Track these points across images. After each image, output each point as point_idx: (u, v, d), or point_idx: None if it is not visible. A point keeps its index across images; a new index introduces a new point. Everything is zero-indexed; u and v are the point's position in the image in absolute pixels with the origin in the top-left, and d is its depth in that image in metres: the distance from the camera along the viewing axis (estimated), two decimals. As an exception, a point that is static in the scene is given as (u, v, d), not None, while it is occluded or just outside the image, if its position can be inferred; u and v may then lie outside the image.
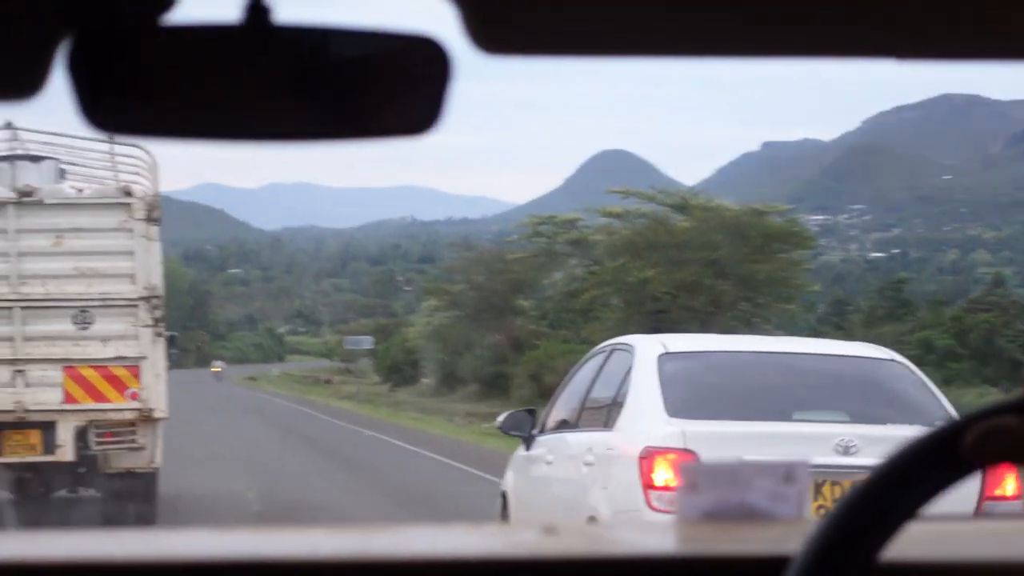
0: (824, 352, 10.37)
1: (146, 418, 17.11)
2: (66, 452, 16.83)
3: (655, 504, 8.65)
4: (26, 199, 16.99)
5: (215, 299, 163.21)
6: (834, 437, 8.91)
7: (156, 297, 17.25)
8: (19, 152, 17.85)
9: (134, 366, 17.04)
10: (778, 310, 49.12)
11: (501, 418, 11.85)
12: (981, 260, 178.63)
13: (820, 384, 9.73)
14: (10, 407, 16.87)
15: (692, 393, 9.41)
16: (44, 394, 16.97)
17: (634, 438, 9.11)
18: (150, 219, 17.12)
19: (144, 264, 17.05)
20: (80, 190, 17.48)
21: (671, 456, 8.69)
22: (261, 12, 1.30)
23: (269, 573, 1.71)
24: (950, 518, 1.97)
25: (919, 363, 11.72)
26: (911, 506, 1.17)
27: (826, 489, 8.74)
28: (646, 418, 9.24)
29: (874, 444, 8.72)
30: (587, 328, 55.64)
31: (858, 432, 8.99)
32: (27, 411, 16.92)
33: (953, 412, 9.34)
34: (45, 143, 18.31)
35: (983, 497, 8.59)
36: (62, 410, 16.93)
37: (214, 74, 1.33)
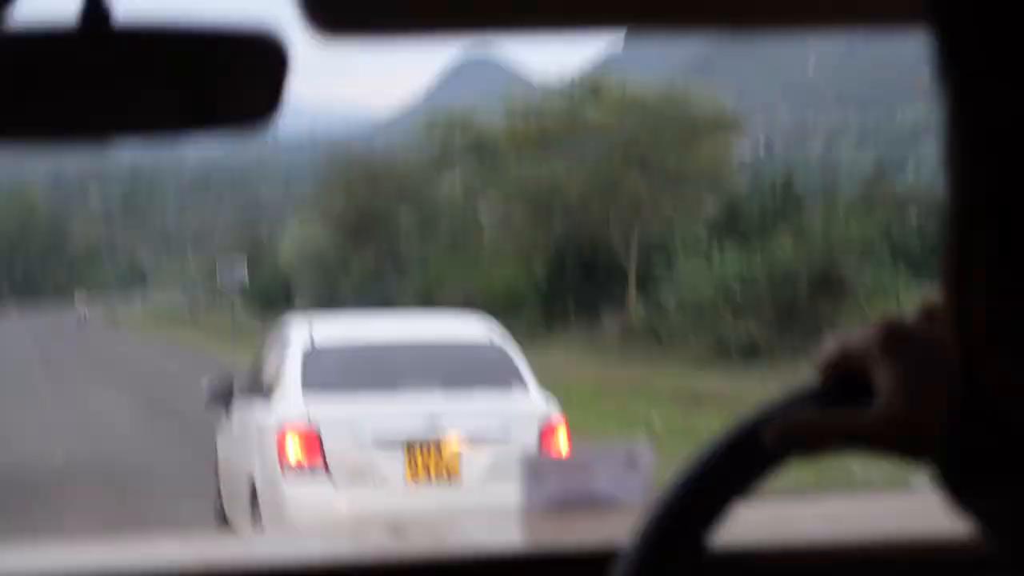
0: (433, 334, 12.08)
1: None
2: None
3: (288, 473, 10.55)
4: None
5: (74, 230, 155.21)
6: (426, 408, 10.91)
7: None
8: None
9: None
10: (703, 209, 41.64)
11: (205, 386, 12.77)
12: (848, 155, 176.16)
13: (422, 362, 11.46)
14: None
15: (324, 373, 11.17)
16: None
17: (275, 413, 10.97)
18: None
19: None
20: None
21: (303, 430, 10.64)
22: (100, 17, 1.30)
23: None
24: (783, 500, 2.00)
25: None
26: (728, 495, 1.15)
27: (418, 455, 10.72)
28: (283, 393, 11.12)
29: (459, 415, 10.88)
30: (488, 243, 48.14)
31: (455, 407, 11.00)
32: None
33: (531, 379, 11.43)
34: None
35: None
36: None
37: (51, 77, 1.32)
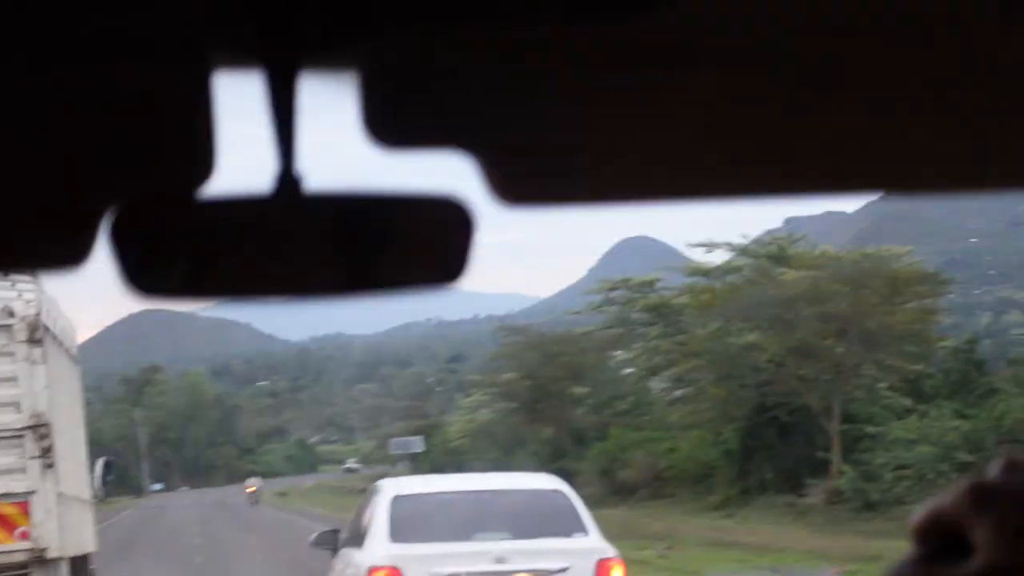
0: (504, 487, 13.79)
1: (39, 559, 15.93)
2: None
3: None
4: None
5: (243, 413, 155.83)
6: (497, 551, 12.30)
7: (43, 425, 16.06)
8: None
9: (23, 502, 15.86)
10: (908, 372, 38.88)
11: (312, 536, 15.32)
12: (1015, 321, 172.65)
13: (497, 512, 12.89)
14: None
15: (408, 524, 12.66)
16: None
17: (367, 557, 12.62)
18: (32, 340, 16.04)
19: (29, 390, 15.98)
20: None
21: (384, 571, 12.26)
22: (292, 183, 1.38)
23: None
24: None
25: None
26: None
27: None
28: (373, 540, 12.70)
29: (526, 556, 12.29)
30: (673, 412, 45.72)
31: (515, 547, 12.39)
32: None
33: (591, 526, 12.84)
34: None
35: None
36: None
37: (247, 241, 1.41)
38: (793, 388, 39.31)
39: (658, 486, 47.15)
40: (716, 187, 1.45)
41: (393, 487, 13.60)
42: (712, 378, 42.20)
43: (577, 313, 52.01)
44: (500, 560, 12.27)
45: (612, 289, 47.99)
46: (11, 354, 15.91)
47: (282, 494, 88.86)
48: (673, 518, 39.42)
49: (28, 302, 16.20)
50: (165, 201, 1.39)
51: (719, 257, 44.93)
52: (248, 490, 76.44)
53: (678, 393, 46.44)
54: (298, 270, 1.39)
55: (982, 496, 1.10)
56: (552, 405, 58.29)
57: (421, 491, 13.58)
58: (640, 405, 56.20)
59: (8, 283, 16.56)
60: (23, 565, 15.86)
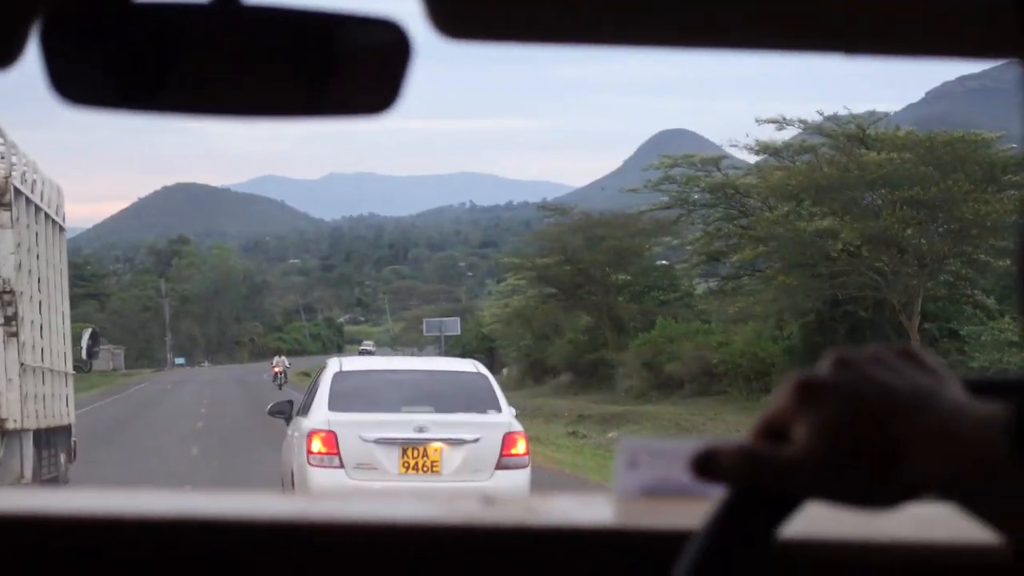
0: (433, 368, 15.59)
1: None
2: None
3: (311, 462, 13.56)
4: None
5: (272, 290, 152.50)
6: (418, 422, 13.77)
7: (7, 292, 15.45)
8: None
9: None
10: (997, 268, 34.66)
11: (269, 406, 16.43)
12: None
13: (424, 389, 14.43)
14: None
15: (346, 395, 14.13)
16: None
17: (309, 422, 13.97)
18: (0, 204, 15.30)
19: None
20: None
21: (323, 433, 13.65)
22: None
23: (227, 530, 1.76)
24: None
25: None
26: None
27: (409, 452, 13.64)
28: (316, 409, 14.10)
29: (443, 427, 13.70)
30: (730, 302, 41.36)
31: (435, 419, 13.82)
32: None
33: (504, 405, 14.13)
34: None
35: (500, 455, 13.65)
36: None
37: (182, 50, 1.37)
38: (869, 281, 35.11)
39: (706, 382, 43.18)
40: (672, 33, 1.37)
41: (337, 365, 15.05)
42: (779, 267, 37.97)
43: (632, 191, 47.58)
44: (421, 430, 13.73)
45: (673, 166, 43.30)
46: None
47: (306, 373, 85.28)
48: (725, 416, 35.48)
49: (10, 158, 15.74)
50: (99, 4, 1.33)
51: (788, 136, 40.43)
52: (274, 369, 72.56)
53: (739, 282, 42.11)
54: (230, 84, 1.32)
55: (804, 390, 1.09)
56: (593, 292, 54.23)
57: (360, 369, 15.19)
58: (691, 294, 52.07)
59: None
60: None
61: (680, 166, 43.12)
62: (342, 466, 13.55)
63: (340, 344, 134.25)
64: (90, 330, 21.14)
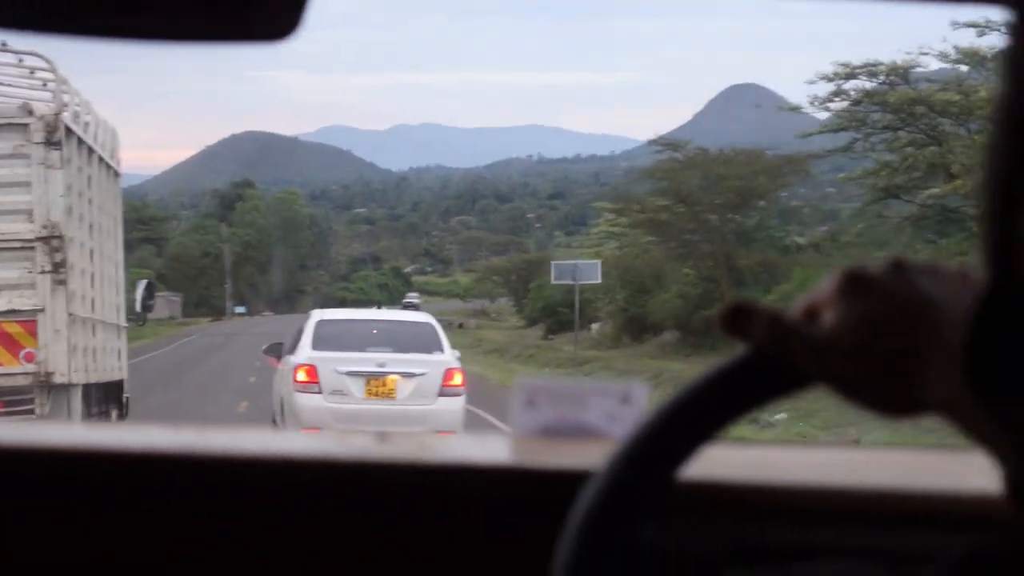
0: (394, 319, 19.51)
1: (44, 383, 14.48)
2: None
3: (296, 389, 16.63)
4: None
5: (338, 238, 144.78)
6: (380, 359, 16.90)
7: (57, 237, 14.41)
8: None
9: (30, 321, 14.38)
10: None
11: (264, 347, 19.36)
12: None
13: (386, 335, 17.56)
14: None
15: (325, 338, 17.25)
16: None
17: (295, 359, 17.00)
18: (50, 143, 14.30)
19: (43, 198, 14.29)
20: None
21: (306, 366, 16.68)
22: None
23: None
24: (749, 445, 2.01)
25: None
26: (702, 428, 1.19)
27: (372, 382, 16.83)
28: (301, 348, 17.15)
29: (398, 363, 16.86)
30: (921, 247, 32.51)
31: (393, 357, 16.94)
32: None
33: (447, 347, 17.43)
34: None
35: (442, 386, 16.85)
36: None
37: None
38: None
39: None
40: None
41: (319, 315, 18.43)
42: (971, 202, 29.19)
43: (793, 110, 38.66)
44: (381, 365, 16.97)
45: (848, 76, 33.94)
46: (26, 156, 14.33)
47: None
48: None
49: (49, 100, 14.71)
50: None
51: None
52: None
53: (923, 223, 33.16)
54: (125, 5, 1.22)
55: (848, 281, 1.09)
56: (710, 239, 45.47)
57: (337, 318, 18.46)
58: (837, 240, 43.30)
59: (34, 80, 15.08)
60: (27, 389, 14.42)
61: (858, 76, 33.75)
62: (320, 392, 16.85)
63: (406, 295, 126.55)
64: (145, 281, 20.53)
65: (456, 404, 16.92)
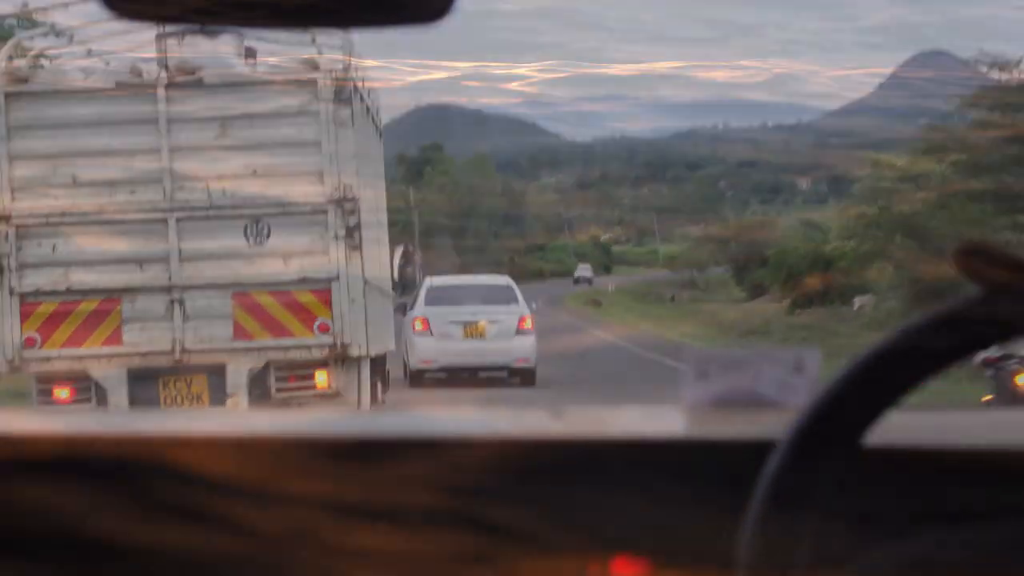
0: (482, 283, 27.07)
1: (340, 356, 13.42)
2: (239, 402, 12.99)
3: (415, 334, 24.41)
4: (181, 79, 13.13)
5: (530, 207, 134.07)
6: (473, 310, 24.25)
7: (350, 200, 13.43)
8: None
9: (324, 290, 13.37)
10: None
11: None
12: None
13: (476, 293, 24.96)
14: (166, 347, 13.12)
15: (434, 298, 24.40)
16: (209, 329, 13.23)
17: (413, 313, 24.23)
18: (340, 99, 13.38)
19: (334, 158, 13.32)
20: (253, 64, 13.55)
21: (421, 318, 24.08)
22: None
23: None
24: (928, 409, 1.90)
25: None
26: (886, 394, 1.18)
27: (467, 327, 24.44)
28: (418, 305, 24.34)
29: (486, 313, 24.37)
30: None
31: (481, 309, 24.23)
32: (187, 352, 13.17)
33: (522, 301, 25.18)
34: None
35: (516, 328, 24.73)
36: (232, 349, 13.22)
37: None
38: None
39: None
40: None
41: (429, 281, 25.17)
42: None
43: None
44: (474, 315, 23.96)
45: None
46: (314, 113, 13.34)
47: (592, 302, 66.16)
48: None
49: (334, 56, 13.85)
50: None
51: None
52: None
53: None
54: None
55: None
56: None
57: (442, 284, 25.61)
58: None
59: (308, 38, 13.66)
60: (322, 363, 13.28)
61: None
62: (432, 335, 23.89)
63: (608, 266, 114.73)
64: (401, 248, 18.43)
65: (528, 340, 24.30)
